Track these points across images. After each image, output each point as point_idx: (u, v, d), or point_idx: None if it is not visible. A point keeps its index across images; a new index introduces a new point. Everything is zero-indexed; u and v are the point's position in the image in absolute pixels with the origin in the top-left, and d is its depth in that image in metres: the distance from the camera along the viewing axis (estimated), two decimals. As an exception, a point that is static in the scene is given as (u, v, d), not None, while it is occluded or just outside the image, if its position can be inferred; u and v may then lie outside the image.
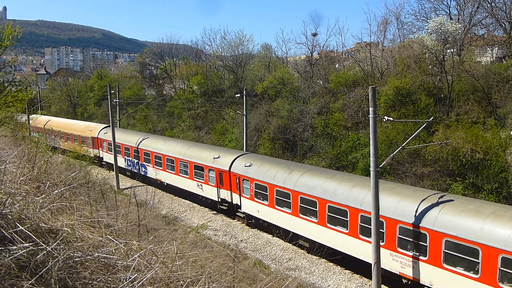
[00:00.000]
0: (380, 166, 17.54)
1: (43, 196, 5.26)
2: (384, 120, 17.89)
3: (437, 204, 17.52)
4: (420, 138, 28.38)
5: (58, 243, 4.09)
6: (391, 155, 18.61)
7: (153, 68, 69.15)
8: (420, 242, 17.38)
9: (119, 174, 38.92)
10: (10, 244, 3.86)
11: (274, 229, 25.17)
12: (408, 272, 17.98)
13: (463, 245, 15.78)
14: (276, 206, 24.57)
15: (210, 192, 30.44)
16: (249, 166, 27.09)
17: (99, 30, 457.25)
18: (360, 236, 19.76)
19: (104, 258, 4.34)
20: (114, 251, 4.57)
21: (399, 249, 18.28)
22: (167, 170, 34.43)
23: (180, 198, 34.82)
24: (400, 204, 18.49)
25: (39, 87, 79.50)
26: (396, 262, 18.44)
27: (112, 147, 38.88)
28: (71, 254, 4.08)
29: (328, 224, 21.36)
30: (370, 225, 17.79)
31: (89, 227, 5.12)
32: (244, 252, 24.05)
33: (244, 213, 28.02)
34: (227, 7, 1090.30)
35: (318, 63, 45.12)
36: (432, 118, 21.50)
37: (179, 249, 5.60)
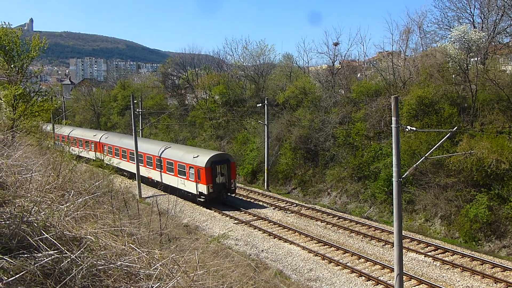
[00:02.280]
0: (403, 176, 17.32)
1: (67, 204, 5.33)
2: (407, 130, 17.67)
3: (167, 148, 39.55)
4: (444, 148, 27.99)
5: (82, 251, 4.13)
6: (414, 165, 18.36)
7: (175, 78, 69.79)
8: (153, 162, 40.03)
9: (141, 184, 39.31)
10: (36, 252, 3.92)
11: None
12: (151, 176, 40.37)
13: (170, 161, 37.32)
14: (114, 155, 46.24)
15: (91, 154, 50.06)
16: (107, 137, 49.39)
17: (122, 41, 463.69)
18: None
19: (126, 266, 4.36)
20: (136, 259, 4.59)
21: (147, 166, 40.59)
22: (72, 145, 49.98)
23: (201, 207, 34.96)
24: (151, 147, 41.60)
25: (64, 97, 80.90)
26: (148, 172, 40.32)
27: (135, 157, 39.32)
28: (95, 262, 4.11)
29: (122, 158, 45.44)
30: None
31: (112, 236, 5.16)
32: (264, 262, 23.97)
33: (106, 164, 42.32)
34: (248, 17, 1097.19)
35: (339, 72, 44.98)
36: (455, 128, 21.20)
37: (201, 259, 5.61)
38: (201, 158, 34.53)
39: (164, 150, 39.15)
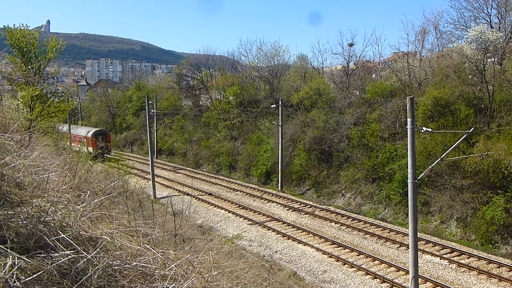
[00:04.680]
0: (418, 177, 17.21)
1: (83, 204, 5.37)
2: (422, 131, 17.55)
3: (76, 129, 59.19)
4: (460, 150, 27.72)
5: (98, 251, 4.16)
6: (430, 167, 18.23)
7: (190, 79, 70.03)
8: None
9: (155, 184, 39.57)
10: (52, 251, 3.95)
11: None
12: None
13: (76, 135, 58.40)
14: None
15: None
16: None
17: (138, 42, 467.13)
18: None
19: (142, 267, 4.39)
20: (151, 260, 4.61)
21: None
22: None
23: (215, 208, 35.09)
24: (77, 131, 58.48)
25: (80, 98, 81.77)
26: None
27: (150, 159, 39.56)
28: (110, 262, 4.14)
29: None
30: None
31: (127, 236, 5.19)
32: (279, 263, 23.96)
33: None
34: (263, 18, 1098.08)
35: (354, 73, 44.77)
36: (472, 129, 20.98)
37: (215, 259, 5.62)
38: (90, 132, 58.44)
39: (76, 129, 58.68)
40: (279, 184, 40.97)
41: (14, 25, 25.16)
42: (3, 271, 3.35)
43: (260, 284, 8.88)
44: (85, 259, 3.97)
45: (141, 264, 4.42)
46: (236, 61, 65.28)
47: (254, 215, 33.18)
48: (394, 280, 21.43)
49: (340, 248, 26.08)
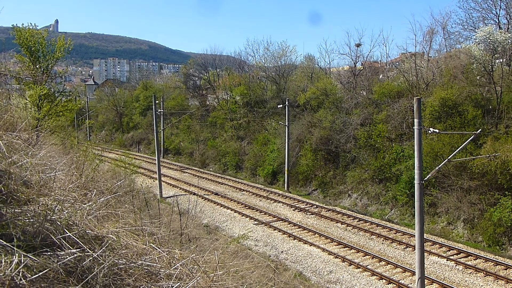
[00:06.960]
0: (425, 179, 17.13)
1: (90, 203, 5.39)
2: (429, 132, 17.46)
3: None
4: (467, 151, 27.59)
5: (103, 249, 4.18)
6: (437, 168, 18.14)
7: (196, 79, 70.19)
8: None
9: (162, 183, 39.66)
10: (59, 250, 3.97)
11: None
12: None
13: None
14: None
15: None
16: None
17: (145, 42, 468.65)
18: None
19: (147, 265, 4.40)
20: (157, 259, 4.62)
21: None
22: None
23: (221, 208, 35.10)
24: None
25: (87, 97, 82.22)
26: None
27: (156, 158, 39.67)
28: (116, 261, 4.15)
29: None
30: None
31: (133, 235, 5.21)
32: (284, 263, 23.95)
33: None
34: (270, 18, 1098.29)
35: (361, 73, 44.64)
36: (479, 130, 20.86)
37: (220, 259, 5.62)
38: None
39: None
40: (286, 184, 40.95)
41: (23, 24, 25.38)
42: (10, 269, 3.37)
43: (265, 284, 8.89)
44: (91, 258, 3.98)
45: (147, 263, 4.43)
46: (243, 61, 65.38)
47: (260, 215, 33.18)
48: (400, 281, 21.36)
49: (346, 248, 26.03)
